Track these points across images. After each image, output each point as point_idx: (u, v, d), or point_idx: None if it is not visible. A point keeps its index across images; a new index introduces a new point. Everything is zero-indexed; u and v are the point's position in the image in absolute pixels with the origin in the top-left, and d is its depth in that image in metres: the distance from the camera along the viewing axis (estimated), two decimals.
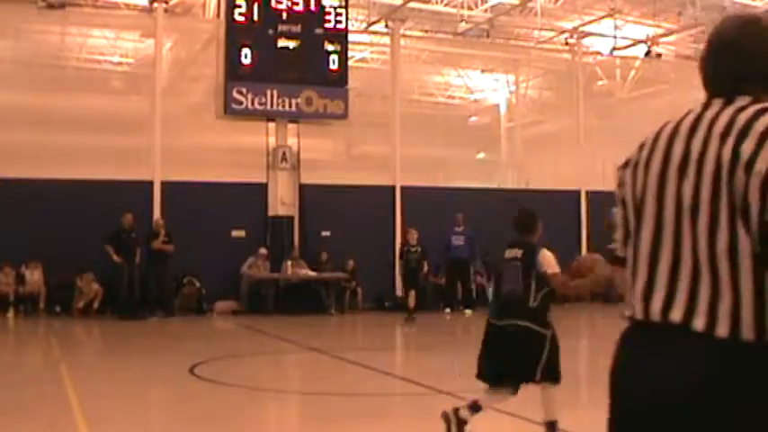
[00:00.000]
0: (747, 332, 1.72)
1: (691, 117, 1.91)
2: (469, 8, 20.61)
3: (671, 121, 1.99)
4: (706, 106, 1.92)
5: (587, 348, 13.16)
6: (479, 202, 18.72)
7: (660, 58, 23.05)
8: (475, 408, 5.49)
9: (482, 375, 5.63)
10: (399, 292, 17.96)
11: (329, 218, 17.71)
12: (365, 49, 21.13)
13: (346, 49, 18.02)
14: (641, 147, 2.05)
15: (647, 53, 22.77)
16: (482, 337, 5.72)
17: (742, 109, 1.82)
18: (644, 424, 1.83)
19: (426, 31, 21.10)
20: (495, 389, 5.59)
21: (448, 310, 17.35)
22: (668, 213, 1.86)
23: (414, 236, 16.40)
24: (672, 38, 24.19)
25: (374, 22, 19.38)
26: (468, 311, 17.17)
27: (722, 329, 1.73)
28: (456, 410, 5.49)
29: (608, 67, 23.28)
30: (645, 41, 22.91)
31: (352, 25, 18.84)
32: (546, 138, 23.72)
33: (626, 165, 2.11)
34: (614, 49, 22.91)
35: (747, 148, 1.74)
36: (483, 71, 23.29)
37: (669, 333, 1.80)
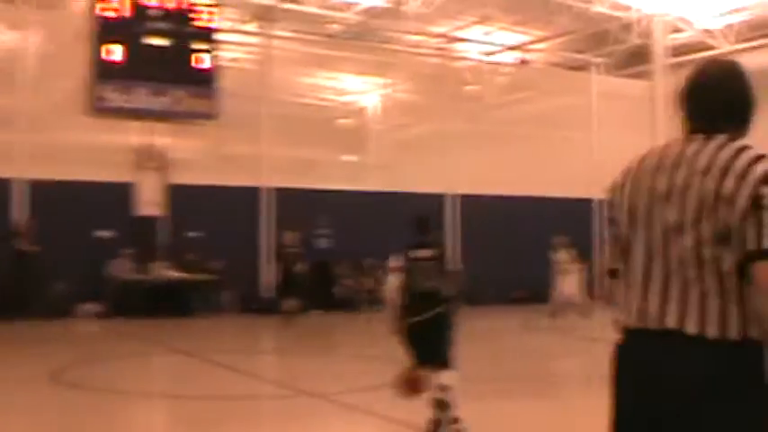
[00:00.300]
0: (733, 333, 2.33)
1: (674, 151, 2.55)
2: (342, 10, 23.36)
3: (652, 151, 2.68)
4: (687, 141, 2.56)
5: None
6: (347, 204, 21.52)
7: (529, 65, 26.98)
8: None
9: (421, 362, 7.00)
10: (266, 293, 20.67)
11: (197, 218, 19.87)
12: (236, 49, 23.28)
13: (217, 49, 20.28)
14: (626, 173, 2.75)
15: (517, 60, 26.76)
16: (404, 331, 7.16)
17: (721, 147, 2.45)
18: (652, 417, 2.44)
19: (298, 33, 23.63)
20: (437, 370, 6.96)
21: (317, 311, 19.73)
22: (656, 236, 2.51)
23: (290, 237, 18.38)
24: (541, 45, 28.01)
25: (246, 22, 21.91)
26: (332, 313, 19.84)
27: (711, 331, 2.33)
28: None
29: (477, 72, 26.59)
30: (514, 48, 26.75)
31: (224, 25, 21.08)
32: (414, 141, 26.80)
33: (614, 189, 2.78)
34: (484, 54, 26.60)
35: (728, 185, 2.37)
36: (353, 73, 26.24)
37: (665, 337, 2.41)
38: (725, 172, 2.42)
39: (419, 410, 7.60)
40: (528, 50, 27.30)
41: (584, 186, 25.46)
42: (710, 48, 26.68)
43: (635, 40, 25.88)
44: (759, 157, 2.42)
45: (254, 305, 20.56)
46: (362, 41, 24.64)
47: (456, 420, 7.01)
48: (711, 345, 2.36)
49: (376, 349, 14.68)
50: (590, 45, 28.05)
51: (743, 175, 2.40)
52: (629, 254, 2.62)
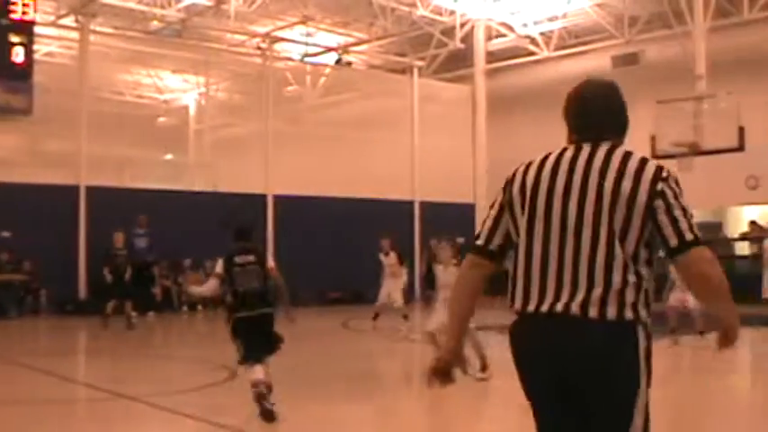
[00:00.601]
0: (612, 314, 3.28)
1: (568, 156, 3.47)
2: (162, 7, 25.84)
3: (547, 155, 3.60)
4: (578, 149, 3.50)
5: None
6: (166, 204, 23.77)
7: (350, 67, 30.26)
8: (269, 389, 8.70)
9: (247, 358, 8.81)
10: (83, 294, 22.94)
11: (10, 217, 21.55)
12: (52, 44, 25.44)
13: (32, 43, 22.07)
14: (526, 170, 3.62)
15: (338, 61, 29.79)
16: (230, 330, 8.96)
17: (610, 152, 3.44)
18: (563, 385, 3.36)
19: (117, 28, 25.96)
20: (254, 364, 8.74)
21: (134, 313, 21.29)
22: (554, 232, 3.39)
23: (120, 239, 19.73)
24: (362, 47, 31.60)
25: (63, 16, 23.95)
26: (151, 314, 21.76)
27: (593, 313, 3.29)
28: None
29: (298, 73, 29.84)
30: (336, 49, 30.00)
31: (40, 18, 23.08)
32: (235, 141, 29.41)
33: (512, 181, 3.65)
34: (305, 55, 29.83)
35: (626, 185, 3.29)
36: (173, 71, 28.84)
37: (556, 319, 3.33)
38: (620, 174, 3.33)
39: (234, 412, 9.13)
40: (350, 52, 30.58)
41: (405, 188, 29.49)
42: (530, 53, 31.29)
43: (456, 44, 29.58)
44: (645, 160, 3.45)
45: (70, 306, 22.59)
46: (183, 39, 27.35)
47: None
48: (607, 325, 3.31)
49: (192, 351, 16.56)
50: (412, 48, 31.87)
51: (637, 176, 3.34)
52: (523, 246, 3.48)
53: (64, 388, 11.59)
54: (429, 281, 25.09)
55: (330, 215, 26.06)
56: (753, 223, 28.13)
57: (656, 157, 23.27)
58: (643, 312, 3.39)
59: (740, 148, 21.84)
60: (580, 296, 3.36)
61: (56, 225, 22.76)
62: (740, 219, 29.85)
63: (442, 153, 29.50)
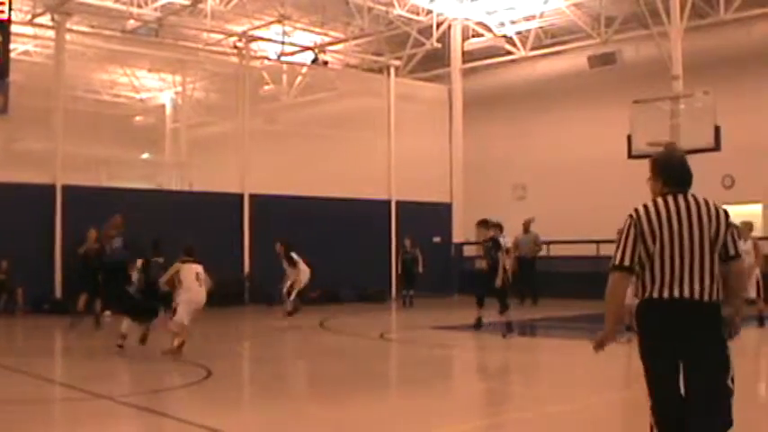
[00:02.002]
0: (718, 298, 5.41)
1: (681, 203, 5.50)
2: (139, 6, 25.90)
3: (657, 204, 5.63)
4: (677, 195, 5.56)
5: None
6: (142, 203, 23.65)
7: (327, 66, 30.29)
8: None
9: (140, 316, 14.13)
10: (60, 293, 22.94)
11: None
12: (28, 42, 25.48)
13: (8, 41, 21.70)
14: (648, 212, 5.60)
15: (314, 60, 29.84)
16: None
17: (697, 200, 5.55)
18: (683, 341, 5.29)
19: (94, 27, 26.05)
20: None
21: (108, 312, 21.19)
22: (685, 248, 5.40)
23: (93, 235, 19.70)
24: (339, 47, 31.74)
25: (39, 15, 23.92)
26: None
27: (710, 299, 5.40)
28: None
29: (275, 72, 30.01)
30: (312, 49, 30.05)
31: (16, 16, 22.84)
32: (211, 140, 29.54)
33: (638, 216, 5.61)
34: (282, 54, 29.91)
35: (715, 224, 5.42)
36: (150, 70, 29.01)
37: (693, 304, 5.31)
38: (718, 218, 5.53)
39: (210, 411, 9.29)
40: (326, 51, 30.64)
41: (381, 188, 29.63)
42: (507, 53, 31.49)
43: (433, 43, 29.80)
44: (717, 206, 5.63)
45: (46, 305, 22.65)
46: (159, 38, 27.40)
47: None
48: (713, 306, 5.42)
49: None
50: (388, 47, 32.08)
51: (719, 217, 5.53)
52: (657, 258, 5.49)
53: (39, 387, 11.60)
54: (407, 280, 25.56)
55: (306, 215, 26.11)
56: None
57: (631, 157, 23.60)
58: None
59: (716, 147, 22.09)
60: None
61: (32, 224, 22.82)
62: None
63: (418, 152, 29.68)
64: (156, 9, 26.86)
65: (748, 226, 18.78)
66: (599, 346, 5.68)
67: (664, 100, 23.32)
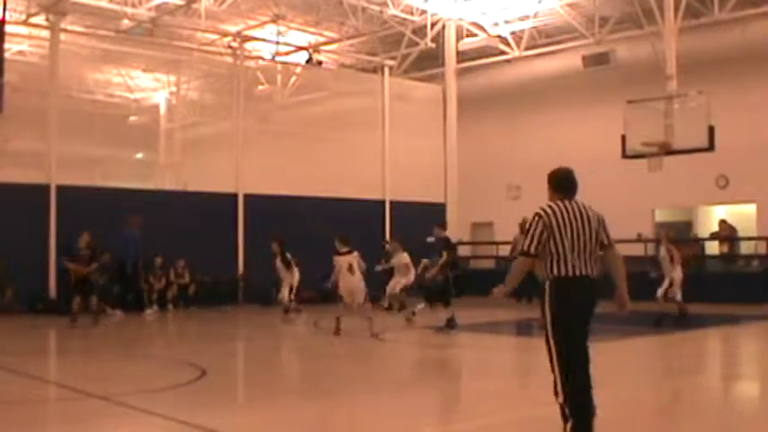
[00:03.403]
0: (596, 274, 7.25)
1: (574, 206, 7.26)
2: (133, 6, 25.87)
3: (557, 205, 7.23)
4: (567, 200, 7.31)
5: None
6: (136, 203, 23.83)
7: (321, 66, 30.36)
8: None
9: None
10: (54, 293, 22.97)
11: None
12: (23, 42, 25.43)
13: (2, 41, 21.30)
14: (553, 211, 7.18)
15: (309, 60, 29.91)
16: None
17: (581, 203, 7.37)
18: (587, 313, 7.17)
19: (88, 27, 26.03)
20: None
21: (118, 311, 22.19)
22: (583, 239, 7.13)
23: (86, 239, 19.97)
24: (333, 46, 31.84)
25: (33, 15, 23.95)
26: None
27: (594, 275, 7.22)
28: None
29: (269, 72, 30.00)
30: (306, 49, 30.14)
31: (10, 16, 23.01)
32: (206, 140, 29.54)
33: (547, 214, 7.18)
34: (276, 54, 30.01)
35: (601, 224, 7.30)
36: (144, 70, 28.96)
37: (589, 279, 7.15)
38: (594, 216, 7.32)
39: (205, 411, 9.27)
40: (320, 51, 30.69)
41: (376, 188, 29.66)
42: (501, 53, 31.53)
43: (427, 43, 29.85)
44: (600, 215, 7.40)
45: (40, 305, 22.72)
46: (154, 38, 27.41)
47: None
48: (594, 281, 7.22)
49: (163, 350, 16.81)
50: (383, 47, 32.11)
51: (597, 217, 7.32)
52: (567, 246, 7.10)
53: (33, 387, 11.59)
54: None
55: (301, 214, 26.11)
56: (723, 222, 28.49)
57: (626, 157, 23.64)
58: None
59: (710, 147, 22.13)
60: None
61: (26, 224, 22.83)
62: (710, 218, 30.21)
63: (412, 152, 29.71)
64: (150, 9, 26.86)
65: (666, 235, 19.43)
66: (498, 298, 7.48)
67: (658, 100, 23.34)
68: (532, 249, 7.17)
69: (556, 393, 7.10)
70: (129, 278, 23.36)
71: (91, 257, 20.11)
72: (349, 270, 16.83)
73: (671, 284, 18.79)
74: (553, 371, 7.13)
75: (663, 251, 18.54)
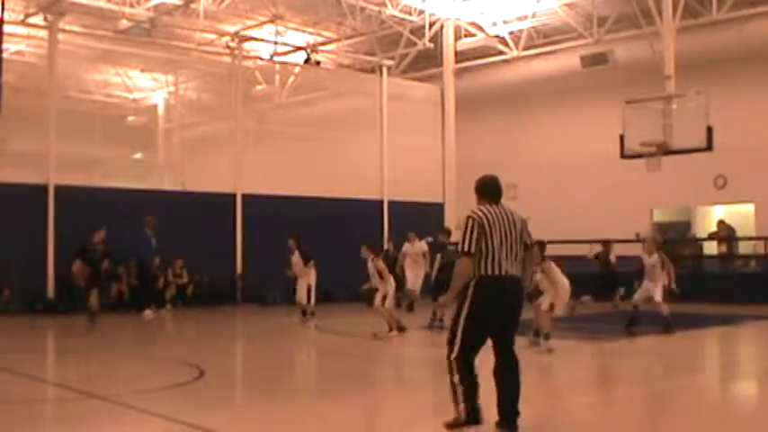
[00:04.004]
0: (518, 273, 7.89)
1: (500, 210, 7.87)
2: (131, 6, 25.82)
3: (492, 209, 7.84)
4: (494, 205, 7.91)
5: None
6: (134, 203, 23.89)
7: (319, 66, 30.32)
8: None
9: None
10: (52, 293, 23.02)
11: None
12: (21, 42, 25.42)
13: (1, 41, 21.13)
14: (484, 214, 7.77)
15: (307, 60, 29.91)
16: None
17: (507, 208, 7.98)
18: (512, 310, 7.82)
19: (86, 27, 26.02)
20: None
21: (149, 310, 22.10)
22: (509, 241, 7.74)
23: (101, 236, 20.26)
24: (331, 46, 31.80)
25: (32, 15, 23.92)
26: (148, 312, 22.09)
27: (517, 274, 7.81)
28: None
29: (268, 72, 30.02)
30: (305, 48, 30.10)
31: (9, 16, 22.66)
32: (204, 140, 29.55)
33: (480, 217, 7.76)
34: (275, 54, 29.98)
35: (524, 227, 7.94)
36: (142, 70, 29.04)
37: (515, 278, 7.77)
38: (518, 220, 7.92)
39: (205, 411, 9.32)
40: (319, 51, 30.66)
41: (374, 188, 29.67)
42: (499, 53, 31.54)
43: (426, 43, 29.82)
44: (523, 218, 8.00)
45: (39, 305, 22.73)
46: (152, 38, 27.42)
47: None
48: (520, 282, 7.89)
49: (162, 350, 16.79)
50: (381, 47, 32.13)
51: (521, 220, 7.89)
52: (494, 247, 7.66)
53: (33, 387, 11.59)
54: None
55: (299, 214, 26.07)
56: (721, 223, 28.53)
57: (624, 157, 23.66)
58: None
59: (708, 147, 22.15)
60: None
61: (24, 224, 22.86)
62: (709, 218, 30.25)
63: (411, 152, 29.74)
64: (148, 9, 26.81)
65: (655, 241, 18.75)
66: (443, 306, 8.20)
67: (656, 100, 23.35)
68: (473, 249, 7.67)
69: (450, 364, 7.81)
70: (147, 278, 23.31)
71: (104, 254, 20.29)
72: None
73: (664, 288, 18.42)
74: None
75: (655, 258, 17.86)
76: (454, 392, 7.75)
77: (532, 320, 14.58)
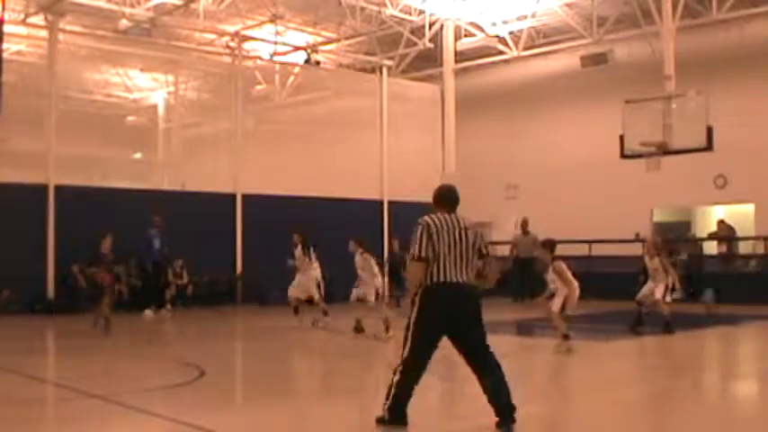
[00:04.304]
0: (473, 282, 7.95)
1: (453, 219, 8.01)
2: (131, 6, 25.90)
3: (444, 217, 7.99)
4: (448, 214, 8.06)
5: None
6: (134, 203, 23.97)
7: (319, 66, 30.29)
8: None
9: None
10: (52, 294, 22.99)
11: None
12: (21, 42, 25.44)
13: (1, 41, 21.01)
14: (433, 221, 7.95)
15: (307, 60, 29.88)
16: None
17: (461, 218, 8.08)
18: (459, 317, 7.88)
19: (86, 27, 26.02)
20: None
21: (148, 310, 22.51)
22: (458, 249, 7.85)
23: (107, 243, 19.80)
24: (331, 46, 31.79)
25: (32, 14, 23.93)
26: (163, 311, 22.80)
27: (470, 282, 7.88)
28: None
29: (268, 71, 30.02)
30: (305, 48, 30.10)
31: (9, 16, 22.81)
32: (203, 140, 29.55)
33: (429, 223, 7.93)
34: (275, 54, 29.98)
35: (478, 237, 8.02)
36: (142, 70, 29.09)
37: (464, 285, 7.83)
38: (472, 229, 7.98)
39: (204, 411, 9.35)
40: (318, 51, 30.63)
41: (374, 188, 29.67)
42: (499, 53, 31.55)
43: (426, 43, 29.88)
44: (477, 228, 8.14)
45: (38, 306, 22.75)
46: (152, 38, 27.40)
47: None
48: (472, 288, 7.91)
49: (161, 349, 16.77)
50: (381, 47, 32.12)
51: (475, 230, 8.03)
52: (438, 252, 7.76)
53: (33, 387, 11.59)
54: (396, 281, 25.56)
55: (299, 214, 25.88)
56: (721, 222, 28.54)
57: (624, 157, 23.66)
58: None
59: (708, 147, 22.15)
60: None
61: (24, 224, 22.84)
62: (709, 218, 30.26)
63: (411, 152, 29.74)
64: (148, 9, 26.83)
65: (656, 245, 18.61)
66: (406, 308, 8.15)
67: (656, 100, 23.36)
68: (424, 253, 7.84)
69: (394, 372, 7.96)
70: (151, 278, 23.52)
71: (114, 260, 20.25)
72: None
73: (667, 288, 18.32)
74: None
75: (656, 261, 17.73)
76: (388, 392, 7.92)
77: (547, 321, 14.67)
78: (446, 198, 8.25)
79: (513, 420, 7.82)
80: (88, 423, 9.22)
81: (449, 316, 7.88)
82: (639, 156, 23.51)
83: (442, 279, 7.80)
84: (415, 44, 30.61)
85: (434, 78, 32.29)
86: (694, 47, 26.45)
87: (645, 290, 17.80)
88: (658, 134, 22.83)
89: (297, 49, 30.46)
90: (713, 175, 28.79)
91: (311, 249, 20.37)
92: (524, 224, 27.21)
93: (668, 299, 17.66)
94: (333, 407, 10.11)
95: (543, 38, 31.77)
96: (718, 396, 11.58)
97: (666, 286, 17.72)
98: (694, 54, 26.12)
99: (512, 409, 7.83)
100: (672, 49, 24.33)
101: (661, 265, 17.67)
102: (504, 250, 28.52)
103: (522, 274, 26.20)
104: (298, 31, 31.09)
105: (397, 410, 7.87)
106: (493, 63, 31.97)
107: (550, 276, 14.61)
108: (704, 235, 29.71)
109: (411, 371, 7.88)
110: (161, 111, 30.71)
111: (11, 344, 17.19)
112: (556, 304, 14.54)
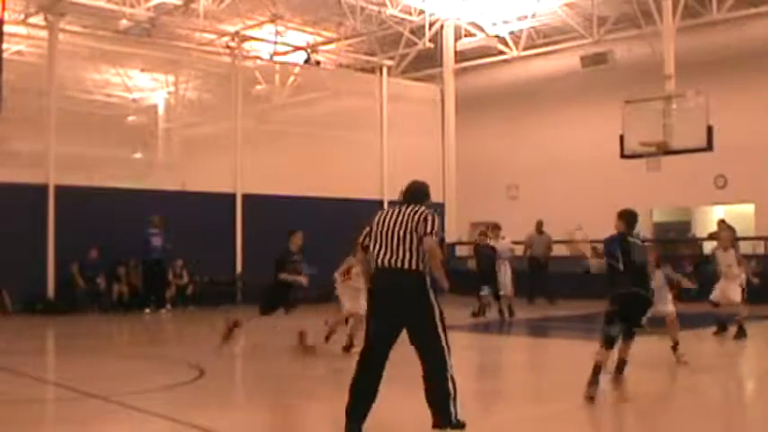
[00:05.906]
0: (417, 267, 7.82)
1: (400, 209, 8.04)
2: (132, 6, 25.89)
3: (390, 209, 8.16)
4: (401, 205, 8.10)
5: None
6: (134, 203, 24.10)
7: (319, 66, 30.45)
8: None
9: None
10: (53, 294, 23.11)
11: None
12: (21, 42, 25.32)
13: (1, 41, 21.03)
14: (378, 214, 8.18)
15: (307, 60, 30.05)
16: None
17: (409, 208, 7.96)
18: (392, 303, 7.80)
19: (86, 27, 26.10)
20: None
21: (147, 310, 22.99)
22: (388, 235, 7.83)
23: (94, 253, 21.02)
24: (331, 46, 31.84)
25: (32, 15, 24.03)
26: (164, 310, 23.02)
27: (409, 267, 7.77)
28: None
29: (267, 72, 29.89)
30: (305, 48, 30.25)
31: (9, 16, 22.80)
32: (204, 140, 29.59)
33: (374, 216, 8.15)
34: (274, 54, 30.07)
35: (416, 218, 7.81)
36: (142, 70, 29.00)
37: (395, 270, 7.77)
38: (415, 215, 7.86)
39: (204, 411, 9.46)
40: (318, 51, 30.80)
41: (374, 188, 29.68)
42: (500, 53, 31.55)
43: (426, 43, 29.91)
44: (421, 210, 7.91)
45: (39, 305, 22.78)
46: (152, 38, 27.57)
47: None
48: (413, 272, 7.78)
49: (162, 349, 16.93)
50: (381, 47, 32.16)
51: (416, 214, 7.84)
52: (374, 241, 7.92)
53: (33, 387, 11.62)
54: None
55: (299, 215, 25.85)
56: (721, 223, 28.50)
57: (624, 157, 23.67)
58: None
59: (709, 147, 22.16)
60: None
61: (24, 224, 22.90)
62: (709, 218, 30.23)
63: (411, 152, 29.76)
64: (148, 9, 26.85)
65: (730, 237, 18.19)
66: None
67: (656, 100, 23.39)
68: (364, 242, 8.21)
69: None
70: (151, 277, 23.71)
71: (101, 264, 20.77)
72: None
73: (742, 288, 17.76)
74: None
75: (731, 256, 17.09)
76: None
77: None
78: (406, 192, 8.34)
79: (444, 426, 7.84)
80: (88, 423, 9.23)
81: (385, 299, 7.93)
82: (639, 156, 23.53)
83: (378, 264, 7.93)
84: (415, 44, 30.62)
85: (434, 78, 32.33)
86: (694, 47, 26.45)
87: (719, 291, 17.17)
88: (658, 134, 22.86)
89: (297, 49, 30.54)
90: (713, 175, 28.77)
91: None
92: (539, 225, 27.30)
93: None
94: (333, 407, 10.09)
95: (543, 38, 31.77)
96: (716, 396, 11.55)
97: (741, 285, 17.11)
98: (694, 54, 26.12)
99: (446, 415, 7.87)
100: (672, 49, 24.36)
101: (736, 260, 16.98)
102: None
103: (535, 274, 26.35)
104: (297, 31, 31.12)
105: (346, 412, 8.05)
106: (493, 63, 31.98)
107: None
108: (704, 235, 29.68)
109: (361, 361, 8.13)
110: (161, 111, 30.64)
111: (11, 344, 17.20)
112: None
